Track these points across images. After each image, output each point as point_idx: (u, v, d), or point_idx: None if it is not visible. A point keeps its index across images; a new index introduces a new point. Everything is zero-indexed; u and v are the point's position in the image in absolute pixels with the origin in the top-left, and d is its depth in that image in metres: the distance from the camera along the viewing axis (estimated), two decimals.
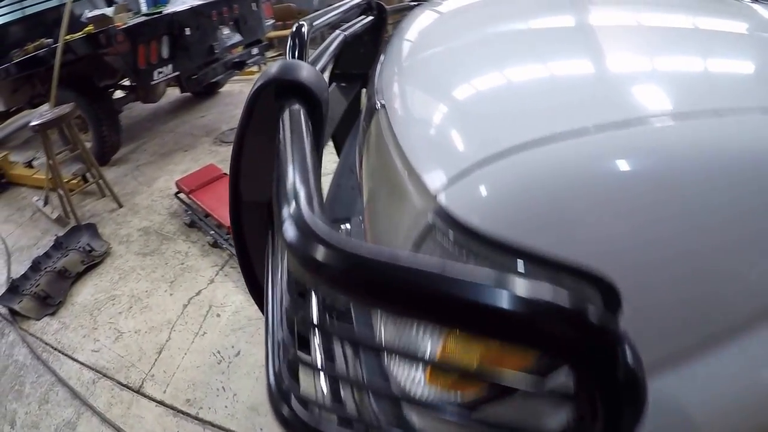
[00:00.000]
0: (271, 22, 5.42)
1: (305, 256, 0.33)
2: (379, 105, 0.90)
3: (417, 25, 1.28)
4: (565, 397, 0.33)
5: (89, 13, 4.36)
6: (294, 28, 0.98)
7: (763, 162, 0.50)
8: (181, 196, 3.24)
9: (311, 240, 0.34)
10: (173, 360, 2.16)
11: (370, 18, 1.62)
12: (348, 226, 1.11)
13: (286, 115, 0.61)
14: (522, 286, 0.29)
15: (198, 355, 2.18)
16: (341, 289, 0.34)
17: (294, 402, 0.50)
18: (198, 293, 2.59)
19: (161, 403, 1.96)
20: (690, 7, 1.10)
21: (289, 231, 0.36)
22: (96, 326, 2.43)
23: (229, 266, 2.80)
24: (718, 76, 0.72)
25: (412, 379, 0.55)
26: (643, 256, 0.48)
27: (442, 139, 0.64)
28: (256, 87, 0.67)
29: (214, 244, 2.93)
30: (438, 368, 0.50)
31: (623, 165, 0.50)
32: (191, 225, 3.14)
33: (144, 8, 5.00)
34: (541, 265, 0.45)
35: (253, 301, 2.60)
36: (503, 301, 0.28)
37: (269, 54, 6.23)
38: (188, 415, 1.89)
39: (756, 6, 1.11)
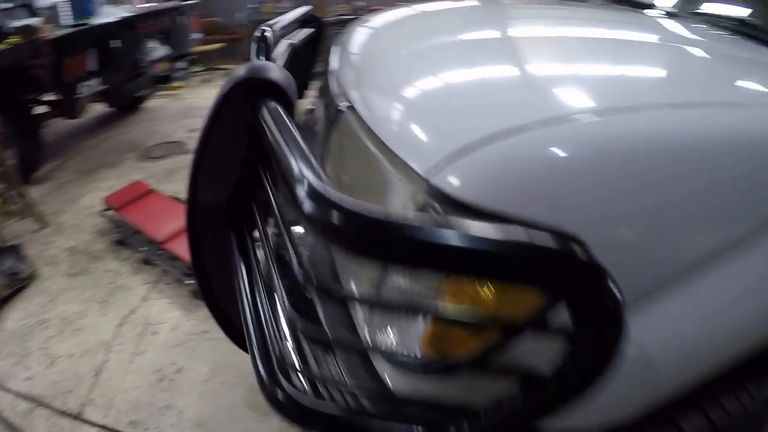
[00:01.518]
0: (199, 36, 5.30)
1: (334, 225, 0.38)
2: (344, 108, 0.96)
3: (367, 37, 1.40)
4: (564, 332, 0.40)
5: (14, 23, 4.11)
6: (258, 34, 1.03)
7: (668, 143, 0.66)
8: (109, 213, 3.14)
9: (336, 210, 0.41)
10: (112, 382, 2.10)
11: (311, 30, 1.68)
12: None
13: (266, 112, 0.64)
14: (527, 235, 0.36)
15: (138, 375, 2.14)
16: (367, 249, 0.39)
17: (287, 388, 0.54)
18: (132, 312, 2.52)
19: (104, 427, 1.91)
20: (606, 20, 1.39)
21: (312, 205, 0.41)
22: (27, 353, 2.31)
23: (162, 283, 2.75)
24: (633, 79, 0.93)
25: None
26: (594, 217, 0.60)
27: (426, 129, 0.73)
28: (227, 87, 0.70)
29: (146, 261, 2.87)
30: (445, 321, 0.58)
31: (569, 150, 0.64)
32: (120, 243, 3.05)
33: (68, 20, 4.75)
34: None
35: (190, 316, 2.54)
36: (515, 248, 0.35)
37: (195, 69, 6.11)
38: None
39: (663, 19, 1.40)
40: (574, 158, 0.63)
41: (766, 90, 0.91)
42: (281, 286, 0.72)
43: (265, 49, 0.98)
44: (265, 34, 1.06)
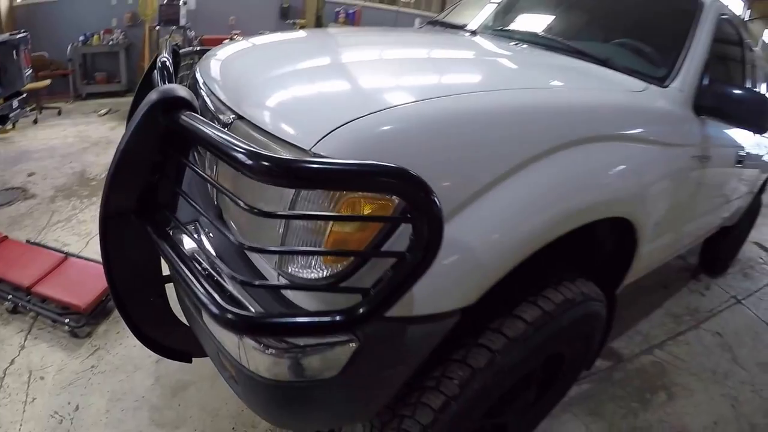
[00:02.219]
0: (30, 71, 5.04)
1: (271, 168, 0.65)
2: (231, 120, 1.27)
3: (231, 63, 1.72)
4: (408, 219, 0.77)
5: None
6: (159, 63, 1.26)
7: (454, 114, 1.12)
8: None
9: (271, 159, 0.70)
10: None
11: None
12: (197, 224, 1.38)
13: (186, 117, 0.88)
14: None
15: (35, 423, 2.12)
16: (291, 181, 0.71)
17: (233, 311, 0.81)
18: (12, 362, 2.44)
19: None
20: (424, 40, 2.09)
21: (252, 160, 0.71)
22: None
23: (36, 328, 2.68)
24: (438, 79, 1.48)
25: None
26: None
27: (302, 122, 1.10)
28: (150, 104, 0.93)
29: (14, 310, 2.76)
30: (341, 220, 0.94)
31: (399, 123, 1.05)
32: None
33: None
34: None
35: (74, 354, 2.54)
36: (373, 169, 0.66)
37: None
38: None
39: (470, 37, 2.05)
40: (399, 129, 1.04)
41: (529, 79, 1.51)
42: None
43: (169, 74, 1.23)
44: (166, 63, 1.31)
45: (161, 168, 1.09)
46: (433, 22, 2.95)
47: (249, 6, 9.09)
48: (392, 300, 0.86)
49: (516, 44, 2.08)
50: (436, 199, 0.77)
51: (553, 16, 2.45)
